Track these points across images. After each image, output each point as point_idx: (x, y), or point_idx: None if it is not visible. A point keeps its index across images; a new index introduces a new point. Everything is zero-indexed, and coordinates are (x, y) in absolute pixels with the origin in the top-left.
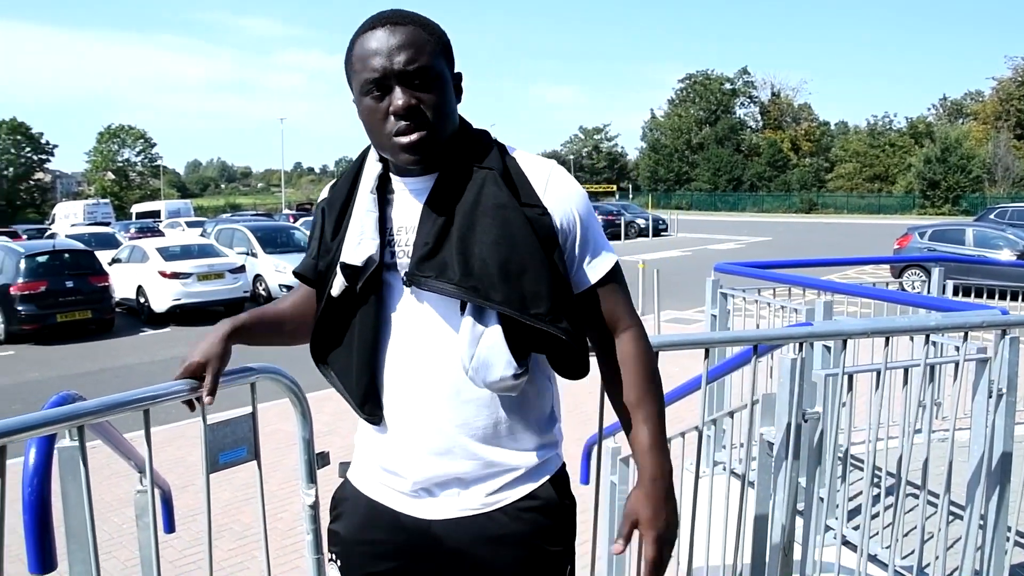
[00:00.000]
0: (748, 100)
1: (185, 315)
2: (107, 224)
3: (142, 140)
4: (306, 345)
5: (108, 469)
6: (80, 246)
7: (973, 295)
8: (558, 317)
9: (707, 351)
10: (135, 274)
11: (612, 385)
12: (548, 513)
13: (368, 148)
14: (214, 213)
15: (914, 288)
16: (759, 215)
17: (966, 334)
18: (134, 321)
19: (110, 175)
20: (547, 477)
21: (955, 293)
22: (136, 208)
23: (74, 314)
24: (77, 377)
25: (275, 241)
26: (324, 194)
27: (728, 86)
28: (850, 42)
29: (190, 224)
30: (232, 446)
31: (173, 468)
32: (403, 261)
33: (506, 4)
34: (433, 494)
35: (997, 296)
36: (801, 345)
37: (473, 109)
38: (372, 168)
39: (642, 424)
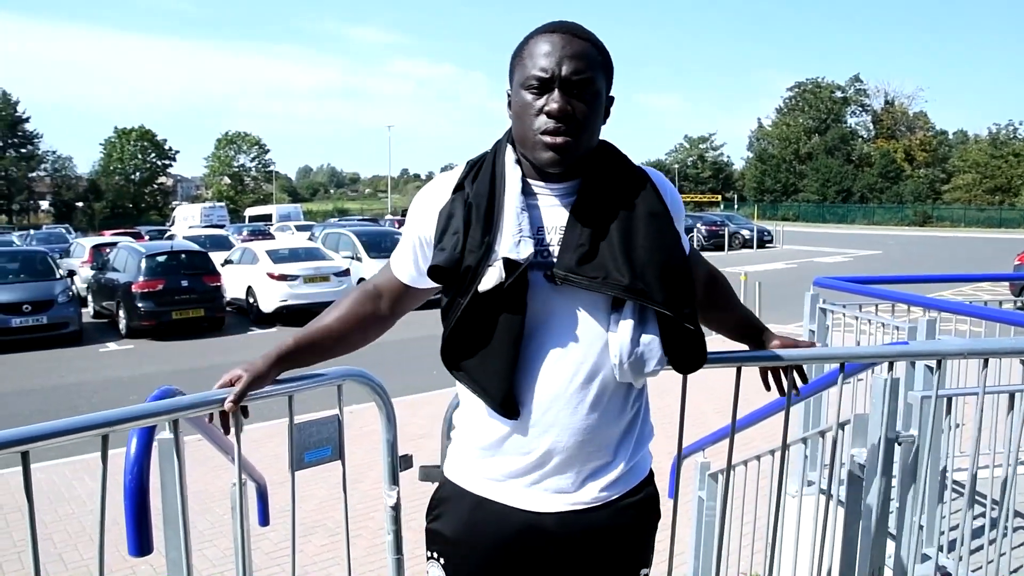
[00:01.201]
0: (860, 108)
1: (291, 315)
2: (222, 226)
3: (256, 146)
4: (387, 350)
5: (213, 461)
6: (195, 247)
7: None
8: (695, 316)
9: (739, 369)
10: (245, 275)
11: (717, 310)
12: (646, 509)
13: (496, 149)
14: (322, 217)
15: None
16: (869, 228)
17: None
18: (243, 320)
19: (226, 179)
20: (645, 474)
21: None
22: (249, 212)
23: (188, 312)
24: (188, 372)
25: (379, 246)
26: (438, 192)
27: (839, 94)
28: (971, 47)
29: (299, 228)
30: (317, 445)
31: (273, 464)
32: (551, 260)
33: (609, 9)
34: (548, 489)
35: None
36: (891, 365)
37: None
38: (513, 171)
39: (753, 319)
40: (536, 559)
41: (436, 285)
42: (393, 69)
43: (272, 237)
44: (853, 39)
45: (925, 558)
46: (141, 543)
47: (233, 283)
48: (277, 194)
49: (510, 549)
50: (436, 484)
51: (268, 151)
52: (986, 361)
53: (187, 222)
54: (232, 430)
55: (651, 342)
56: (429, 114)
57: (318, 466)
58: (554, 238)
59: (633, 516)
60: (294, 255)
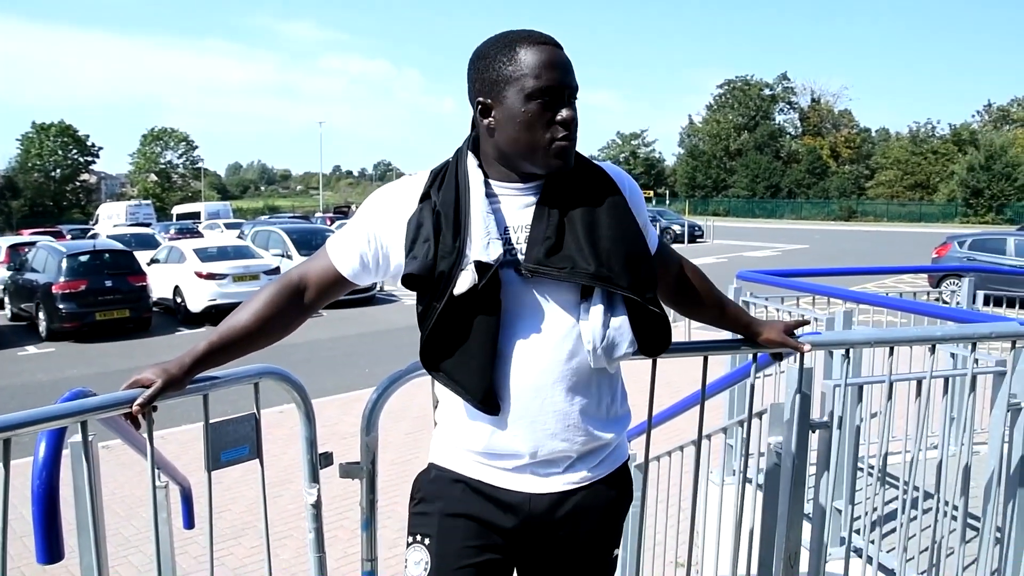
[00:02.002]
0: (787, 106)
1: (220, 315)
2: (148, 225)
3: (184, 143)
4: (309, 348)
5: (139, 465)
6: (119, 246)
7: (1005, 306)
8: (658, 300)
9: (705, 359)
10: (173, 274)
11: (692, 300)
12: (623, 490)
13: (457, 157)
14: (253, 215)
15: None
16: (797, 222)
17: (974, 345)
18: (171, 320)
19: (153, 177)
20: (625, 456)
21: (986, 303)
22: (176, 209)
23: (112, 313)
24: (113, 375)
25: (310, 243)
26: (402, 198)
27: (767, 92)
28: (893, 47)
29: (228, 226)
30: (234, 444)
31: (201, 465)
32: (518, 257)
33: (543, 7)
34: (539, 471)
35: None
36: (802, 354)
37: None
38: (475, 174)
39: (735, 307)
40: (522, 539)
41: (368, 283)
42: (326, 65)
43: (200, 235)
44: (781, 38)
45: (843, 541)
46: (50, 549)
47: (160, 283)
48: (206, 191)
49: (497, 529)
50: (423, 470)
51: (196, 147)
52: (892, 349)
53: (112, 220)
54: (145, 432)
55: (620, 326)
56: (362, 111)
57: (239, 464)
58: (520, 236)
59: (614, 497)
60: (223, 253)
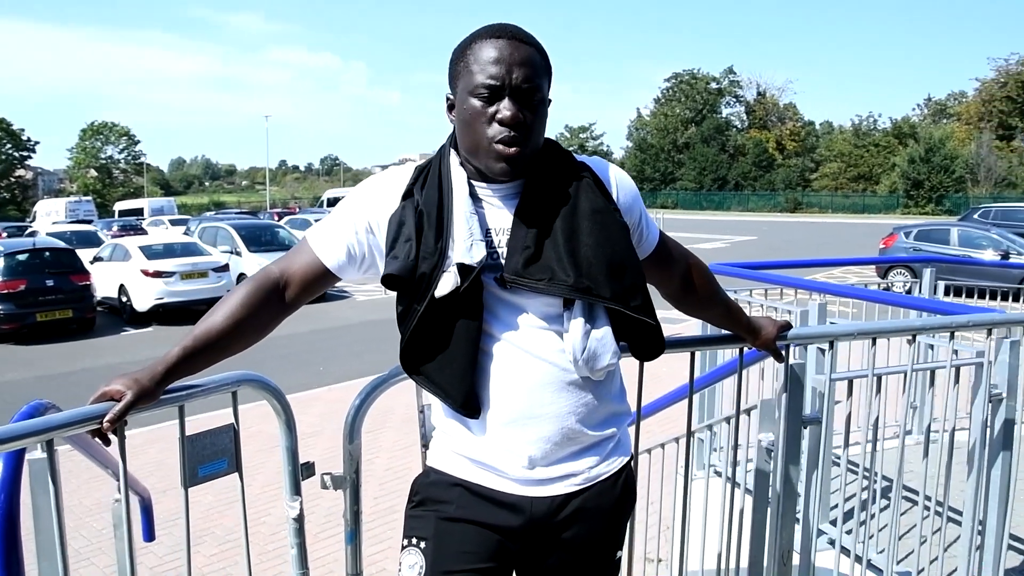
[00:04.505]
0: (734, 100)
1: (168, 314)
2: (89, 222)
3: (126, 137)
4: (263, 346)
5: (88, 472)
6: (61, 244)
7: (964, 295)
8: (648, 307)
9: (692, 355)
10: (117, 273)
11: (696, 300)
12: (625, 492)
13: (440, 155)
14: (198, 211)
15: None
16: (744, 214)
17: (952, 334)
18: (116, 320)
19: (93, 172)
20: (627, 457)
21: (946, 293)
22: (119, 206)
23: (54, 313)
24: (57, 378)
25: (259, 239)
26: (387, 192)
27: (714, 85)
28: (836, 42)
29: (173, 222)
30: (212, 458)
31: (154, 472)
32: (500, 262)
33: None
34: (538, 475)
35: (988, 296)
36: (788, 347)
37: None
38: (458, 173)
39: (737, 307)
40: (523, 543)
41: (352, 278)
42: (271, 57)
43: (145, 232)
44: (728, 31)
45: (820, 533)
46: None
47: (104, 281)
48: (149, 187)
49: (498, 533)
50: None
51: (138, 142)
52: (874, 340)
53: (50, 218)
54: (117, 446)
55: (603, 337)
56: (309, 105)
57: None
58: (501, 240)
59: (617, 497)
60: (169, 251)
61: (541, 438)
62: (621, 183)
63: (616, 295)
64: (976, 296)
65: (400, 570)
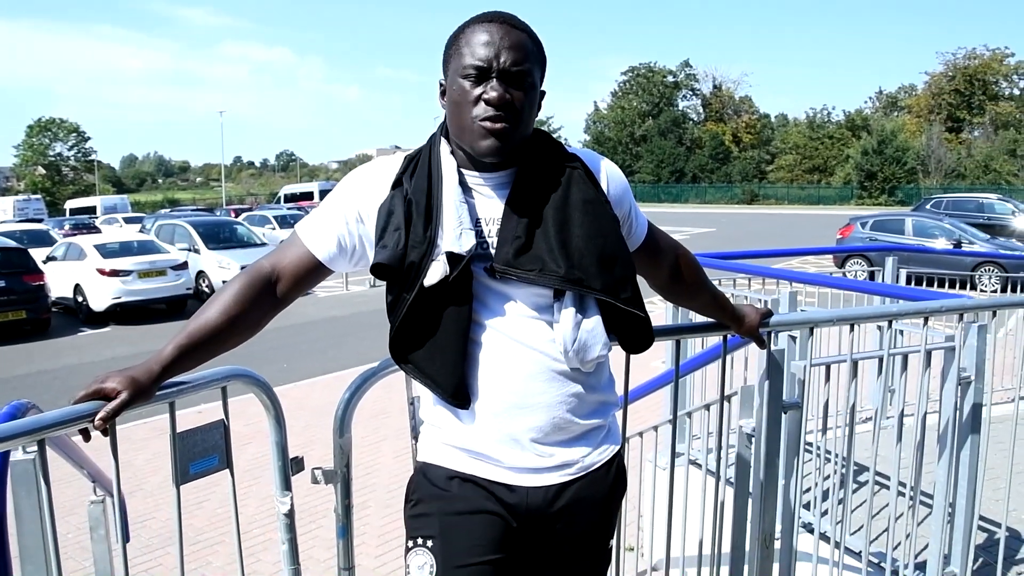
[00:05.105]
0: (690, 93)
1: (126, 314)
2: (40, 221)
3: (75, 134)
4: (251, 345)
5: (54, 472)
6: (12, 244)
7: (925, 283)
8: (638, 299)
9: (677, 343)
10: (72, 272)
11: (684, 290)
12: (617, 481)
13: (431, 143)
14: (152, 209)
15: (857, 277)
16: (702, 206)
17: (926, 319)
18: (72, 321)
19: (41, 170)
20: (617, 446)
21: (908, 282)
22: (70, 204)
23: (7, 314)
24: (13, 380)
25: (218, 236)
26: (376, 182)
27: (671, 79)
28: (790, 36)
29: (128, 220)
30: (203, 455)
31: (126, 468)
32: (490, 252)
33: None
34: (530, 465)
35: (945, 284)
36: (770, 335)
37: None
38: (448, 162)
39: (722, 296)
40: (521, 533)
41: (344, 269)
42: (226, 52)
43: (99, 231)
44: (684, 25)
45: (796, 517)
46: None
47: (58, 281)
48: (100, 185)
49: (499, 523)
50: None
51: (89, 139)
52: (852, 327)
53: None
54: (109, 444)
55: (593, 329)
56: (264, 100)
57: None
58: (492, 229)
59: (609, 486)
60: (126, 249)
61: (532, 427)
62: (611, 176)
63: (607, 287)
64: (934, 284)
65: (408, 572)
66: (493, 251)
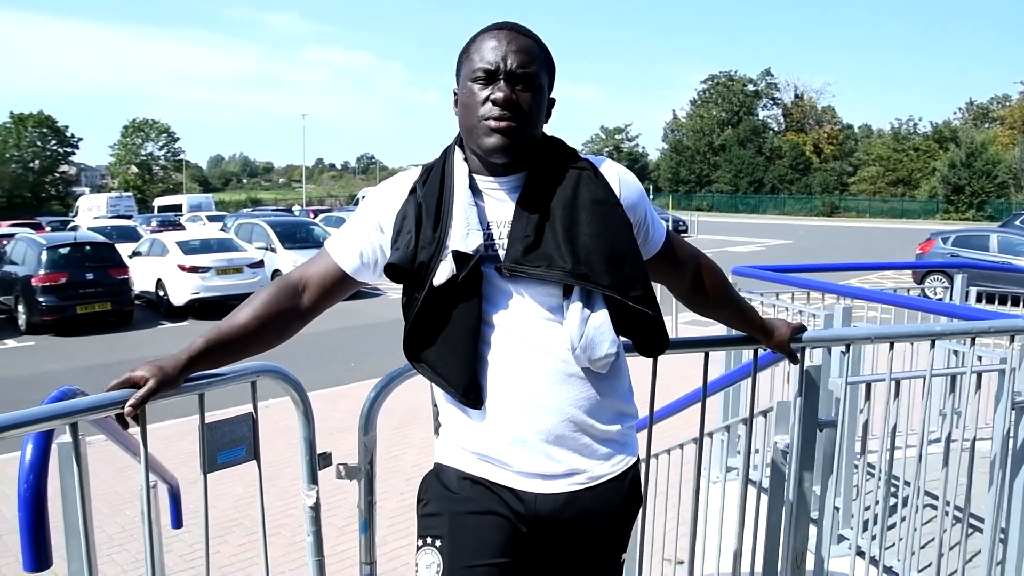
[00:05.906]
0: (771, 102)
1: (203, 308)
2: (129, 217)
3: (166, 134)
4: (302, 342)
5: (121, 462)
6: (101, 239)
7: (997, 302)
8: (650, 299)
9: (706, 355)
10: (155, 267)
11: (707, 300)
12: (631, 493)
13: (446, 153)
14: (235, 208)
15: (935, 294)
16: (780, 218)
17: (973, 339)
18: (153, 314)
19: (133, 169)
20: (634, 458)
21: (979, 300)
22: (158, 202)
23: (94, 306)
24: (96, 369)
25: (294, 236)
26: (396, 193)
27: (751, 87)
28: (875, 45)
29: (211, 218)
30: (230, 445)
31: (187, 462)
32: (499, 253)
33: (528, 3)
34: (541, 471)
35: (1023, 304)
36: (804, 350)
37: None
38: (460, 168)
39: (750, 308)
40: (530, 539)
41: (369, 281)
42: (308, 57)
43: (182, 228)
44: (765, 33)
45: (842, 539)
46: (38, 557)
47: (142, 275)
48: (187, 184)
49: (508, 527)
50: (425, 474)
51: (178, 139)
52: (891, 345)
53: (92, 212)
54: (138, 431)
55: (600, 325)
56: (345, 103)
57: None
58: (503, 232)
59: (622, 499)
60: (206, 246)
61: (541, 429)
62: (625, 180)
63: (615, 284)
64: (1010, 303)
65: (417, 571)
66: (502, 253)
